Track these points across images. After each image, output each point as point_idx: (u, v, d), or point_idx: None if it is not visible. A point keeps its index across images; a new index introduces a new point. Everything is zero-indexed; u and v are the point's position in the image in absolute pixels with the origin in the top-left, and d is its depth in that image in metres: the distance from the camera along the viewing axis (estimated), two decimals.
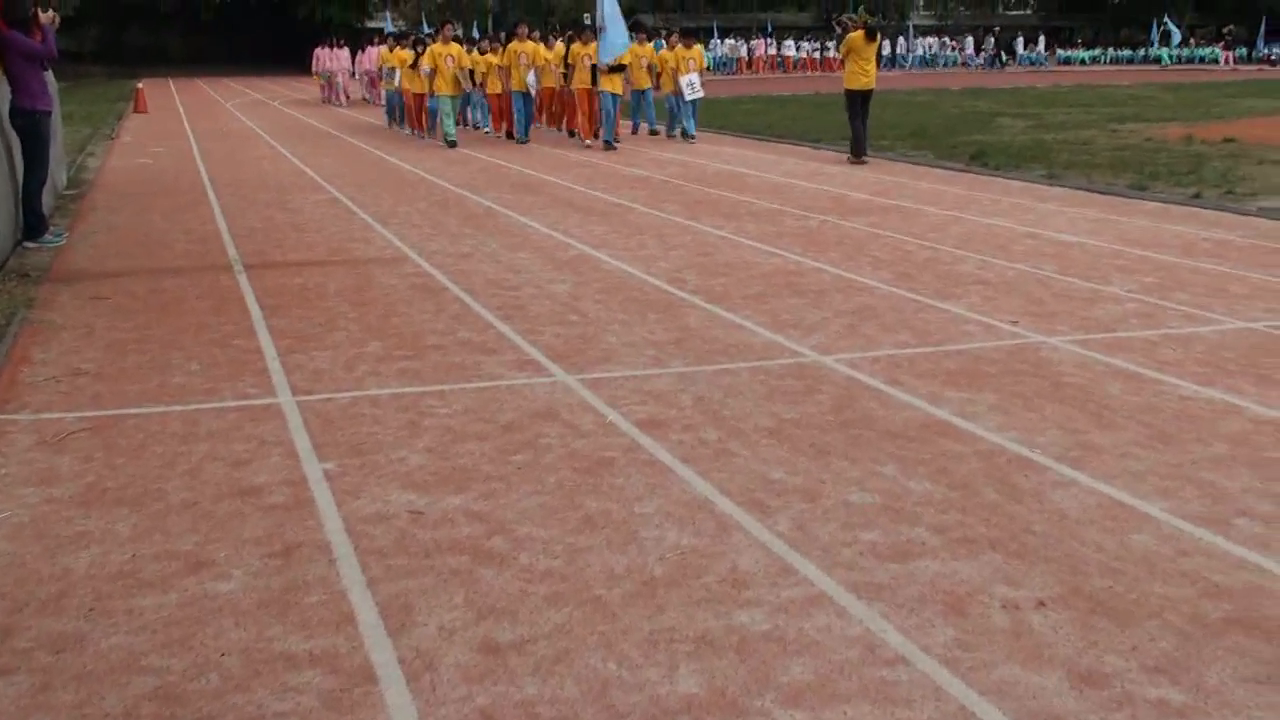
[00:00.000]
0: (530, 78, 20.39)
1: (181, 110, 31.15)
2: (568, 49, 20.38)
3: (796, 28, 69.28)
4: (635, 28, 21.58)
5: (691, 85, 20.53)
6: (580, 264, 9.04)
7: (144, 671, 3.16)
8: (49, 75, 10.55)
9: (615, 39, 18.84)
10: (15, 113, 9.84)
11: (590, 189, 13.57)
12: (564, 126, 21.81)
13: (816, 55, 61.91)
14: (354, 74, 35.02)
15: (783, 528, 4.11)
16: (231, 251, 9.58)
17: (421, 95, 21.46)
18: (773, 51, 61.40)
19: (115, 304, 7.70)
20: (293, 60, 58.71)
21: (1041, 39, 69.79)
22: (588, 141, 19.69)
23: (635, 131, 21.89)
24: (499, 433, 5.14)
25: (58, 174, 12.68)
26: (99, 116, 25.94)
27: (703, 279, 8.44)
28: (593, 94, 19.59)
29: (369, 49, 34.17)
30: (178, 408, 5.50)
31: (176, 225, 11.01)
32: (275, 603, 3.56)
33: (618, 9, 19.10)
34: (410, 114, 22.21)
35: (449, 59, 20.00)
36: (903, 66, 62.82)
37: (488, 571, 3.77)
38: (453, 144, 19.56)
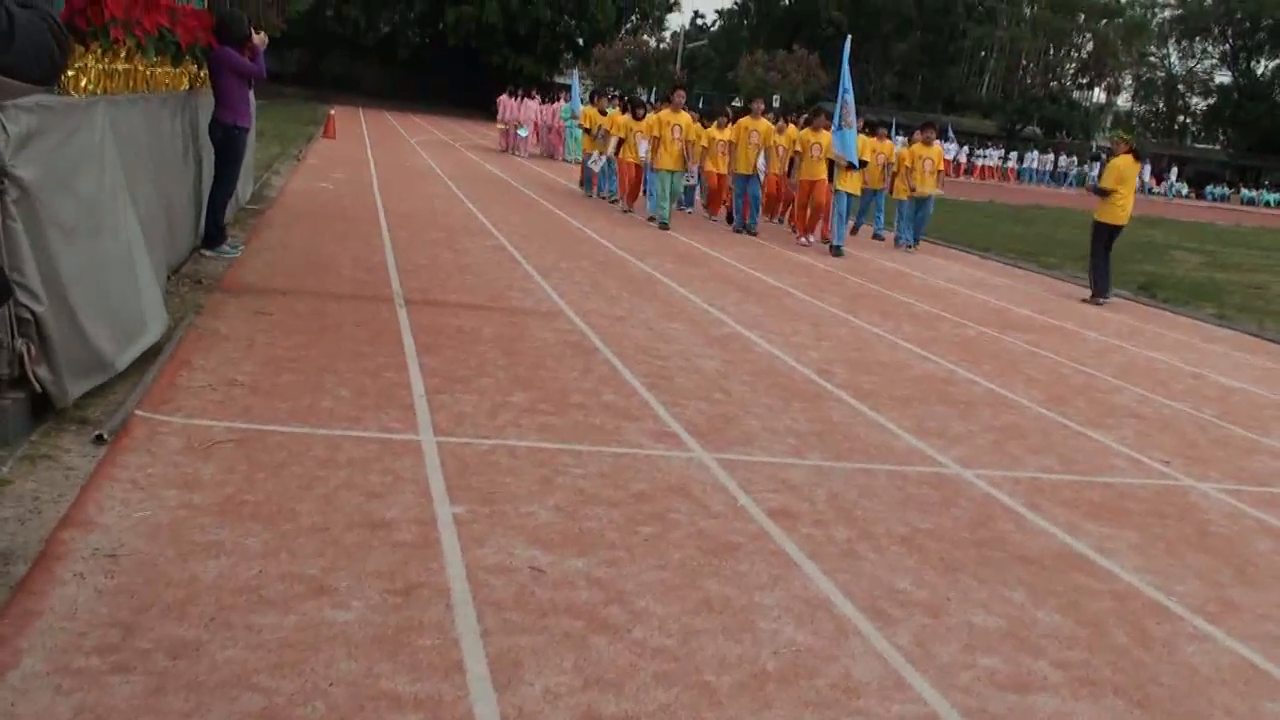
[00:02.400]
0: (760, 161, 18.20)
1: (367, 140, 32.04)
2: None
3: (978, 134, 68.96)
4: (869, 126, 19.20)
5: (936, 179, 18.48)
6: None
7: (254, 689, 3.21)
8: (251, 94, 10.95)
9: (851, 134, 16.58)
10: (216, 125, 10.24)
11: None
12: (784, 218, 20.10)
13: (1000, 164, 61.75)
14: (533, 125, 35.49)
15: (902, 640, 4.04)
16: (395, 284, 9.79)
17: (639, 165, 19.36)
18: (962, 159, 60.80)
19: (278, 321, 7.91)
20: (480, 105, 60.12)
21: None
22: (803, 240, 17.75)
23: (855, 232, 19.72)
24: (630, 501, 5.15)
25: (244, 188, 13.12)
26: (289, 137, 26.78)
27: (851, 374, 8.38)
28: (824, 188, 17.24)
29: (554, 104, 34.83)
30: (322, 431, 5.61)
31: (346, 251, 11.28)
32: (389, 640, 3.60)
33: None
34: (624, 184, 19.95)
35: (675, 129, 17.59)
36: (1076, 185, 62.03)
37: (600, 640, 3.77)
38: (665, 227, 17.31)
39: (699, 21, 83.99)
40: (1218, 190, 68.43)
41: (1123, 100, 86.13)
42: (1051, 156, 65.82)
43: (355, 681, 3.32)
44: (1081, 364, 9.89)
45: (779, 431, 6.62)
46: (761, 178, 18.54)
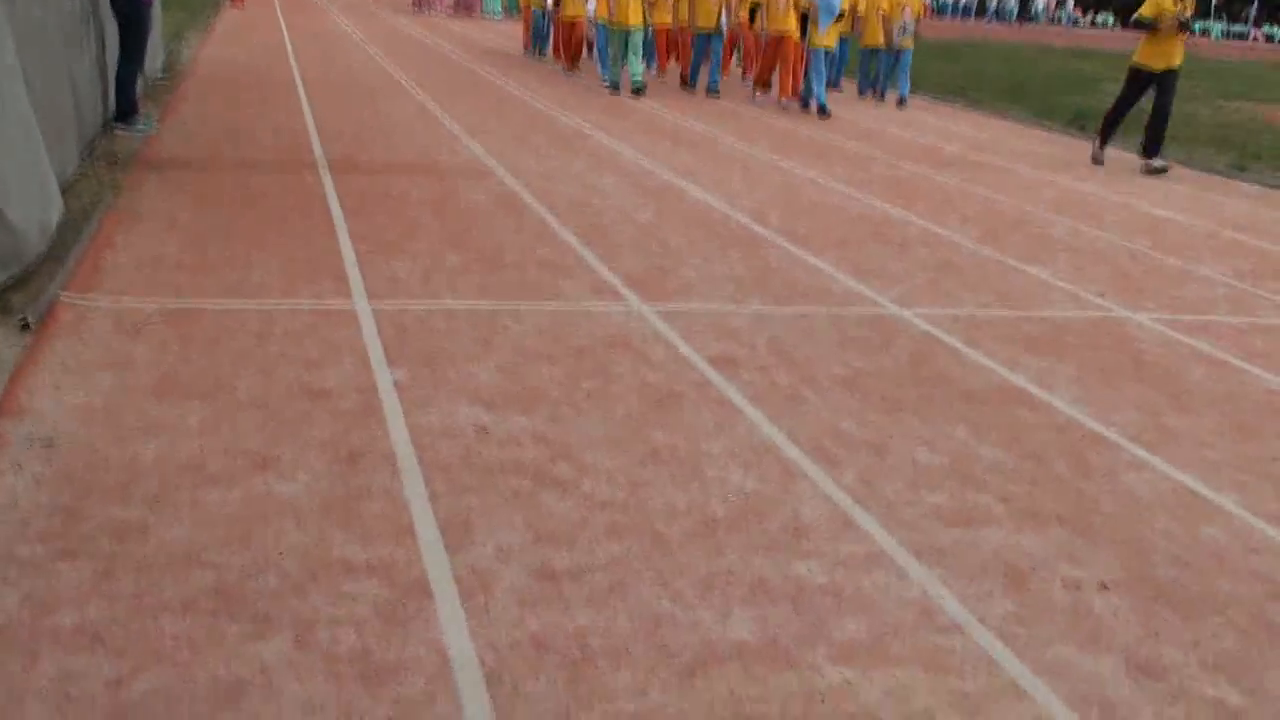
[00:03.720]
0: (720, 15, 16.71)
1: (277, 5, 31.19)
2: None
3: None
4: None
5: (905, 30, 17.22)
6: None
7: (204, 565, 3.18)
8: None
9: None
10: None
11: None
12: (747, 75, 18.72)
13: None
14: None
15: (848, 480, 4.07)
16: (318, 151, 9.60)
17: (576, 22, 18.10)
18: None
19: (199, 195, 7.74)
20: None
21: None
22: (758, 96, 16.67)
23: (861, 94, 18.38)
24: (570, 356, 5.12)
25: (152, 61, 12.73)
26: (195, 5, 26.02)
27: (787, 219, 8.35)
28: (796, 44, 15.99)
29: None
30: (254, 304, 5.52)
31: (265, 121, 11.03)
32: (337, 508, 3.57)
33: None
34: (560, 43, 18.74)
35: None
36: (1004, 19, 61.73)
37: (549, 496, 3.76)
38: (640, 90, 15.75)
39: None
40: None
41: None
42: None
43: (306, 551, 3.30)
44: (1014, 199, 9.91)
45: (717, 279, 6.60)
46: (723, 32, 17.14)
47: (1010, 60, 28.26)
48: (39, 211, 5.98)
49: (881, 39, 17.48)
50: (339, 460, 3.89)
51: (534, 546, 3.44)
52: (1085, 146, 13.80)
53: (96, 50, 9.49)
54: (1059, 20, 64.44)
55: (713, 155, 11.11)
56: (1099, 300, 6.87)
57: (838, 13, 15.18)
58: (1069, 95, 20.11)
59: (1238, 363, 5.90)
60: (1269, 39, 63.93)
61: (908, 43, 17.29)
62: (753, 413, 4.63)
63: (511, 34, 25.73)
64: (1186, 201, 10.58)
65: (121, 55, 9.96)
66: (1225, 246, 8.72)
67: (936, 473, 4.20)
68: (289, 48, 18.89)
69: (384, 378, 4.68)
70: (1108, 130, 12.59)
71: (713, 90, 16.78)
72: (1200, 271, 7.87)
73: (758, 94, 16.75)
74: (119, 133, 9.79)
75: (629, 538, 3.54)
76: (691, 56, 17.36)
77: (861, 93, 18.36)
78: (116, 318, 5.17)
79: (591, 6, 17.64)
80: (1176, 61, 12.02)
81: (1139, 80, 12.20)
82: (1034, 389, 5.22)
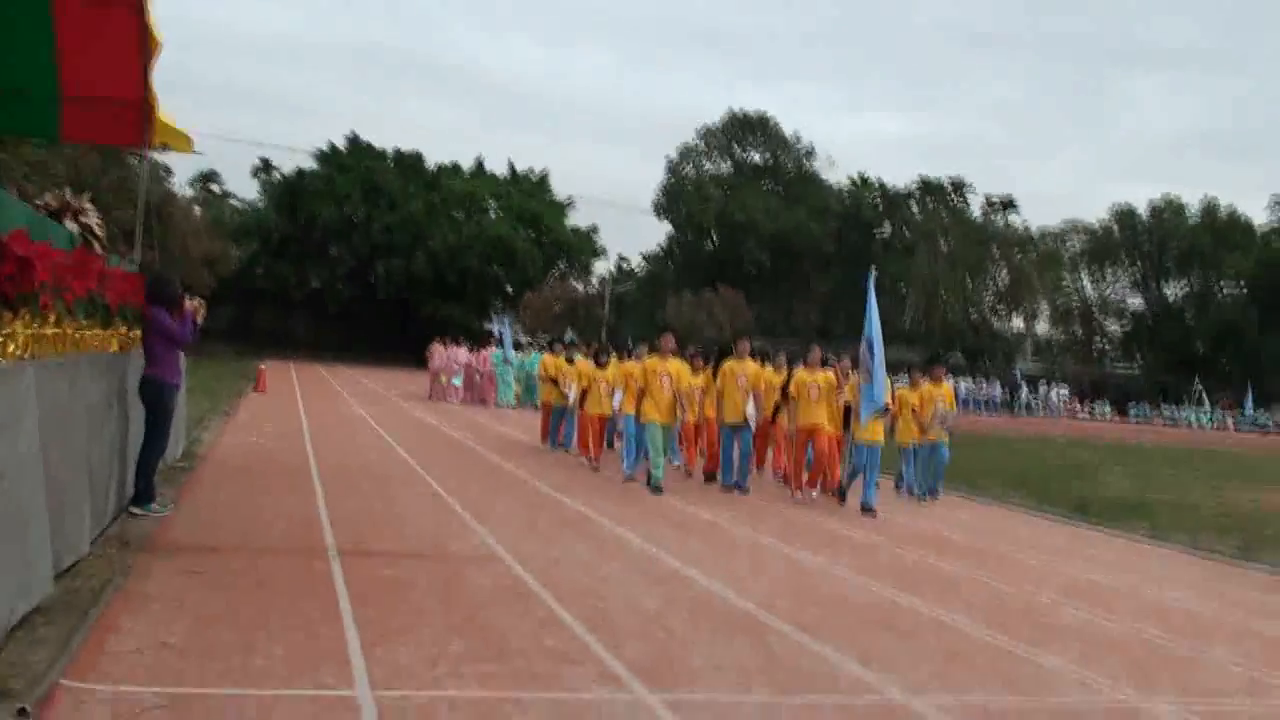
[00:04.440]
0: (750, 408, 15.59)
1: (298, 392, 32.11)
2: (789, 376, 16.06)
3: (905, 364, 70.22)
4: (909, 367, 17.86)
5: (943, 421, 16.38)
6: None
7: None
8: (181, 352, 10.99)
9: (880, 380, 14.41)
10: (145, 383, 10.23)
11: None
12: (776, 470, 17.70)
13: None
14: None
15: None
16: (328, 537, 9.68)
17: (604, 418, 17.86)
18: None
19: (209, 579, 7.77)
20: (412, 353, 60.62)
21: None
22: (798, 495, 15.45)
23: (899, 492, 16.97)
24: None
25: (174, 446, 13.03)
26: (220, 393, 26.78)
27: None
28: (831, 437, 15.32)
29: (483, 351, 35.27)
30: (254, 691, 5.47)
31: (278, 505, 11.19)
32: None
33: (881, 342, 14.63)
34: (585, 436, 18.14)
35: (664, 377, 15.36)
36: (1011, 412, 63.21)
37: None
38: (658, 489, 14.79)
39: (624, 265, 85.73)
40: (1140, 408, 69.96)
41: (1041, 327, 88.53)
42: (982, 383, 67.21)
43: None
44: (1020, 586, 9.90)
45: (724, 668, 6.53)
46: (753, 425, 15.90)
47: (1007, 448, 28.80)
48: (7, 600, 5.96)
49: (915, 434, 16.39)
50: None
51: None
52: (1089, 534, 13.87)
53: (119, 435, 9.75)
54: (1057, 410, 65.93)
55: (720, 542, 11.18)
56: (1110, 688, 6.76)
57: (881, 406, 14.47)
58: (1070, 481, 20.37)
59: None
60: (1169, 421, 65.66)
61: (942, 434, 16.33)
62: None
63: (522, 422, 26.37)
64: (1196, 587, 10.56)
65: (145, 441, 10.23)
66: (1236, 633, 8.65)
67: None
68: (306, 435, 19.33)
69: None
70: None
71: (739, 487, 15.57)
72: (1211, 656, 7.79)
73: (797, 494, 15.52)
74: (134, 513, 9.92)
75: None
76: (720, 451, 16.09)
77: (898, 489, 16.98)
78: (114, 705, 5.12)
79: (617, 401, 17.06)
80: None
81: None
82: None
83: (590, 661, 6.47)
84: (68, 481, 7.39)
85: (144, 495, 10.18)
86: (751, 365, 16.05)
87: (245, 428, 19.79)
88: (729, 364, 15.90)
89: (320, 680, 5.72)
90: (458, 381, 34.27)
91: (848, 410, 15.03)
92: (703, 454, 17.32)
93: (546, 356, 22.86)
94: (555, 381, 20.50)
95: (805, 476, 15.62)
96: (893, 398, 15.52)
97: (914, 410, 16.33)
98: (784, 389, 15.94)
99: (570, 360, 20.70)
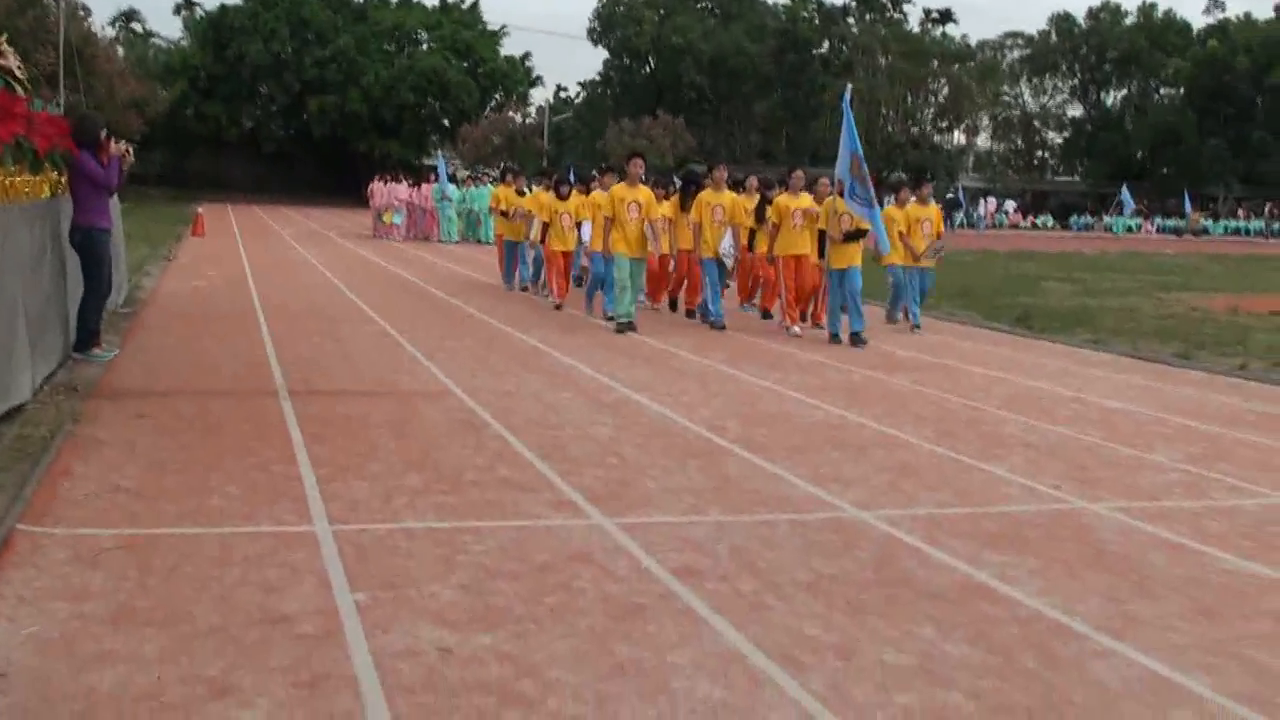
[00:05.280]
0: (726, 243, 14.70)
1: (238, 235, 31.74)
2: (762, 202, 15.36)
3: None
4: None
5: (936, 251, 15.31)
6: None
7: None
8: (111, 198, 10.77)
9: (865, 193, 13.45)
10: (74, 229, 10.05)
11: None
12: (754, 302, 16.90)
13: None
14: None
15: (816, 686, 4.03)
16: (278, 377, 9.66)
17: (568, 253, 17.01)
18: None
19: (159, 423, 7.75)
20: (351, 192, 59.94)
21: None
22: (795, 328, 14.31)
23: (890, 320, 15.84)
24: (533, 573, 5.10)
25: (118, 294, 12.87)
26: (158, 238, 26.41)
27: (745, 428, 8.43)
28: (810, 265, 14.51)
29: (424, 187, 34.87)
30: (213, 530, 5.49)
31: (225, 348, 11.13)
32: None
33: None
34: (552, 273, 17.11)
35: (633, 206, 14.15)
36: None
37: (514, 714, 3.71)
38: (629, 326, 13.89)
39: (562, 94, 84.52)
40: (1081, 220, 70.46)
41: (982, 140, 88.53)
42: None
43: None
44: (967, 399, 10.05)
45: (676, 491, 6.62)
46: (730, 261, 15.17)
47: (957, 265, 28.96)
48: None
49: (901, 257, 15.05)
50: (300, 685, 3.83)
51: None
52: (1034, 344, 14.05)
53: (56, 282, 9.61)
54: (1000, 225, 66.31)
55: (668, 368, 11.25)
56: (1056, 493, 6.92)
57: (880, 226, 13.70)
58: (1014, 296, 20.58)
59: (1195, 546, 5.95)
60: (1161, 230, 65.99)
61: (930, 262, 15.25)
62: (718, 622, 4.61)
63: (466, 257, 26.24)
64: (1137, 391, 10.76)
65: (84, 288, 10.11)
66: (1175, 433, 8.85)
67: (905, 673, 4.18)
68: (250, 277, 19.15)
69: (345, 600, 4.64)
70: None
71: (711, 321, 14.75)
72: (1152, 458, 7.97)
73: (795, 327, 14.35)
74: (77, 358, 9.84)
75: None
76: (707, 283, 14.94)
77: (891, 319, 15.82)
78: (73, 547, 5.13)
79: (586, 234, 16.14)
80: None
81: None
82: (997, 584, 5.22)
83: (545, 489, 6.54)
84: (7, 330, 7.30)
85: (87, 341, 10.09)
86: (728, 195, 15.01)
87: (187, 272, 19.57)
88: (705, 194, 14.73)
89: (278, 517, 5.75)
90: (399, 219, 33.95)
91: (822, 236, 14.19)
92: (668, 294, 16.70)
93: (498, 189, 21.60)
94: (506, 214, 19.63)
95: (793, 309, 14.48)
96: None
97: (901, 234, 15.00)
98: (758, 214, 15.29)
99: (521, 193, 19.86)
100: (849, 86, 14.87)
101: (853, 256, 13.88)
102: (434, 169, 37.31)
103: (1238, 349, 13.89)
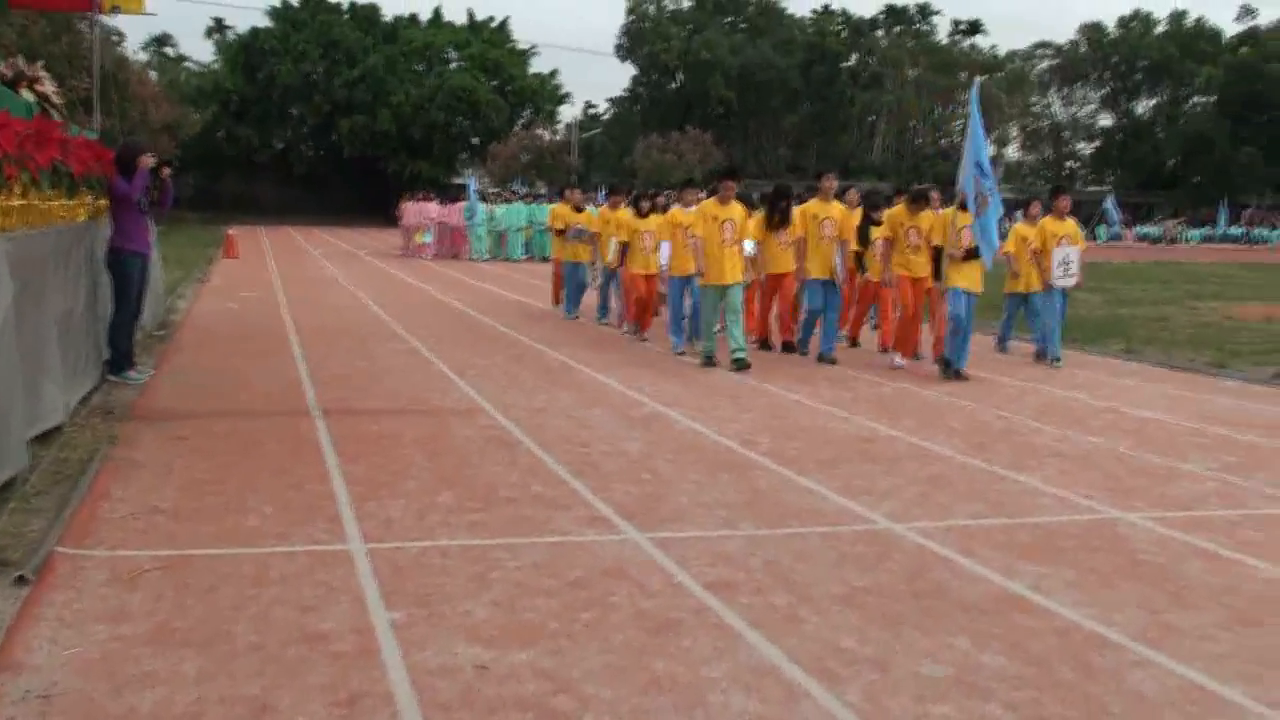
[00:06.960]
0: (836, 261, 12.97)
1: (270, 256, 31.93)
2: (867, 219, 13.72)
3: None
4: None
5: (1066, 267, 13.30)
6: None
7: None
8: (149, 221, 10.87)
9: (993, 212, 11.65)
10: (109, 252, 10.17)
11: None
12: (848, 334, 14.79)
13: None
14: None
15: (852, 698, 4.03)
16: (311, 397, 9.71)
17: (653, 278, 14.75)
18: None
19: (195, 444, 7.81)
20: (381, 212, 60.22)
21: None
22: (899, 360, 12.69)
23: (1002, 348, 14.72)
24: (567, 589, 5.12)
25: (150, 315, 12.96)
26: (191, 260, 26.62)
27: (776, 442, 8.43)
28: (924, 287, 12.74)
29: (454, 204, 34.99)
30: (249, 550, 5.54)
31: (259, 368, 11.20)
32: None
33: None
34: (633, 303, 15.09)
35: (727, 225, 12.28)
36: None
37: None
38: (743, 364, 11.97)
39: (591, 111, 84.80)
40: (1112, 230, 70.04)
41: (1011, 151, 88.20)
42: None
43: None
44: (1000, 410, 10.02)
45: (709, 505, 6.63)
46: (839, 280, 13.16)
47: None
48: None
49: (1037, 282, 13.60)
50: (338, 704, 3.86)
51: None
52: (1066, 354, 13.99)
53: (92, 305, 9.70)
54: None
55: (698, 384, 11.25)
56: (1090, 503, 6.90)
57: (996, 246, 11.97)
58: None
59: (1232, 555, 5.92)
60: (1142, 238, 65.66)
61: (1070, 282, 13.49)
62: (752, 635, 4.61)
63: (495, 275, 26.33)
64: (1169, 401, 10.71)
65: (114, 309, 10.20)
66: (1210, 442, 8.80)
67: (941, 684, 4.17)
68: (282, 298, 19.27)
69: (381, 618, 4.67)
70: None
71: (825, 357, 12.96)
72: (1185, 468, 7.93)
73: (898, 358, 12.80)
74: (111, 380, 9.93)
75: None
76: (803, 310, 13.62)
77: (1001, 347, 14.67)
78: (112, 568, 5.18)
79: (664, 257, 14.01)
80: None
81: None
82: (1032, 595, 5.21)
83: (578, 505, 6.56)
84: (40, 353, 7.37)
85: (120, 363, 10.19)
86: (838, 208, 13.32)
87: (220, 294, 19.71)
88: (812, 207, 13.19)
89: (313, 536, 5.79)
90: (429, 238, 34.10)
91: (938, 256, 12.19)
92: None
93: (557, 206, 19.83)
94: (563, 233, 17.89)
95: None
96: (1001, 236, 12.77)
97: (1034, 253, 13.49)
98: (861, 232, 13.54)
99: (579, 209, 18.22)
100: (978, 81, 13.35)
101: (974, 279, 12.02)
102: (464, 187, 37.52)
103: (1273, 358, 13.79)
